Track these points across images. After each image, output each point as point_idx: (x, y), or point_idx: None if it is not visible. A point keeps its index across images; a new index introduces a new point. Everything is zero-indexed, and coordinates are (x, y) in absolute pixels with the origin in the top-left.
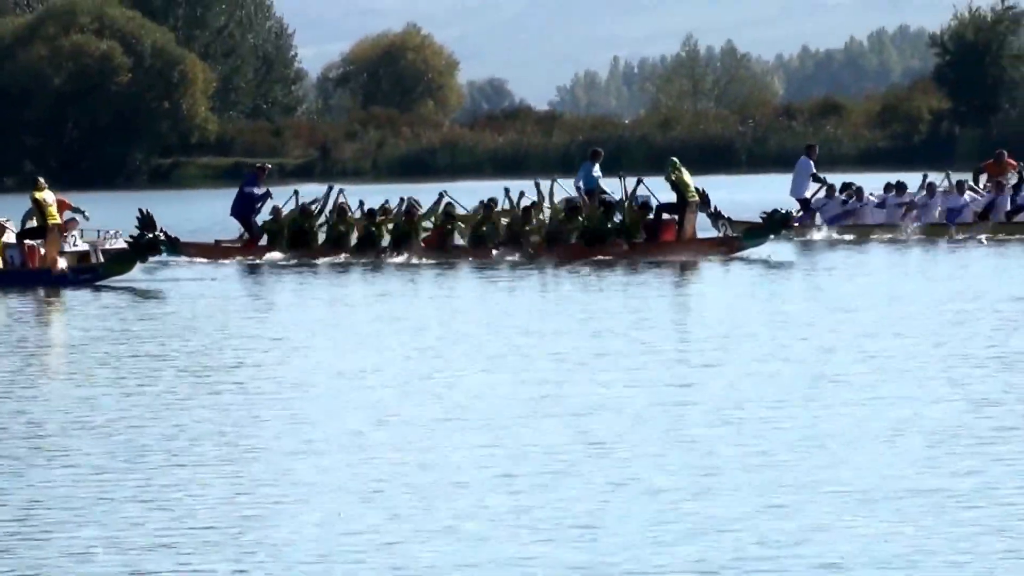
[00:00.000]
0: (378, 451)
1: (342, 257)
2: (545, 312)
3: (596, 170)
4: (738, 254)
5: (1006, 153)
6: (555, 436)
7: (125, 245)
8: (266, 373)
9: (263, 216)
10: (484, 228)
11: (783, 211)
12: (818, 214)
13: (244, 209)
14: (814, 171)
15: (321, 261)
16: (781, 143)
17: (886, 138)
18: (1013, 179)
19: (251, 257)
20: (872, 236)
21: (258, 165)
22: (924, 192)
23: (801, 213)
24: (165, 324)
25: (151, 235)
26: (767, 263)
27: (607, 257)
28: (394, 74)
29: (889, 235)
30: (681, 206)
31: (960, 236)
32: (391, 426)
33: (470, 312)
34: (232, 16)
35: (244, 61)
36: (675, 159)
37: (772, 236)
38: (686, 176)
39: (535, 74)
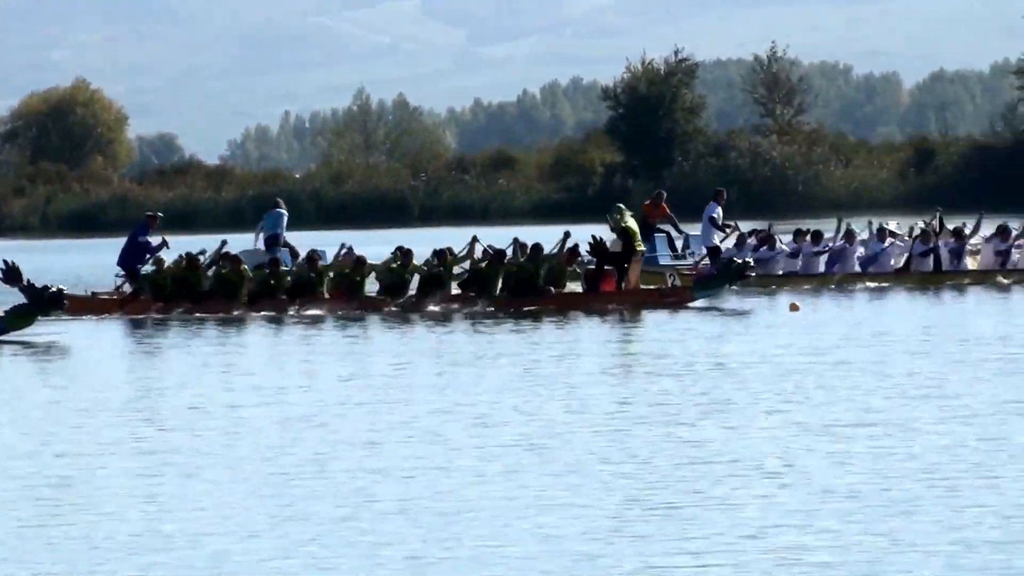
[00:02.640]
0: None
1: (236, 311)
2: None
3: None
4: (689, 305)
5: (664, 195)
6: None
7: None
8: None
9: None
10: (403, 277)
11: (740, 260)
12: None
13: (135, 259)
14: (713, 215)
15: (220, 315)
16: (454, 196)
17: (559, 190)
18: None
19: (132, 310)
20: (785, 286)
21: (149, 213)
22: (843, 240)
23: (708, 262)
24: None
25: (54, 288)
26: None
27: (537, 307)
28: (63, 129)
29: (807, 285)
30: (626, 254)
31: (885, 284)
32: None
33: (360, 365)
34: None
35: None
36: (621, 205)
37: (727, 286)
38: (633, 224)
39: (206, 128)
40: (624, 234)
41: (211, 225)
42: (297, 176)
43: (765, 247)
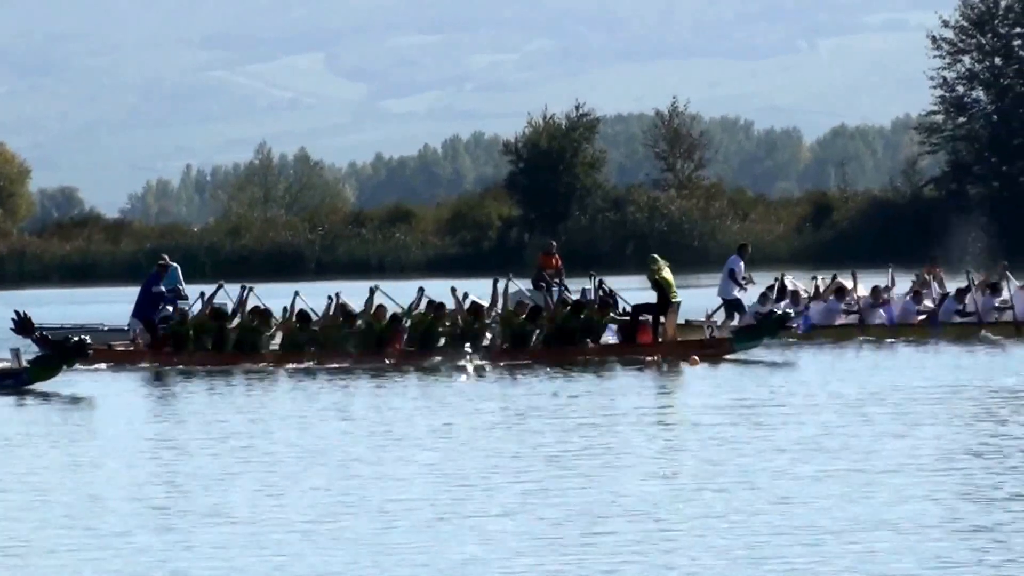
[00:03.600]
0: None
1: (263, 363)
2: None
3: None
4: (728, 357)
5: (554, 246)
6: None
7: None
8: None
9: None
10: (437, 329)
11: (779, 312)
12: (741, 317)
13: (149, 310)
14: (733, 268)
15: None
16: (350, 250)
17: (455, 245)
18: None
19: (152, 362)
20: (812, 341)
21: (160, 262)
22: (868, 296)
23: (726, 315)
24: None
25: (77, 338)
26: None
27: (576, 359)
28: None
29: (832, 340)
30: (662, 306)
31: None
32: None
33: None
34: None
35: None
36: (656, 256)
37: (767, 338)
38: (669, 275)
39: (107, 182)
40: (659, 286)
41: (108, 278)
42: (195, 230)
43: (787, 301)
